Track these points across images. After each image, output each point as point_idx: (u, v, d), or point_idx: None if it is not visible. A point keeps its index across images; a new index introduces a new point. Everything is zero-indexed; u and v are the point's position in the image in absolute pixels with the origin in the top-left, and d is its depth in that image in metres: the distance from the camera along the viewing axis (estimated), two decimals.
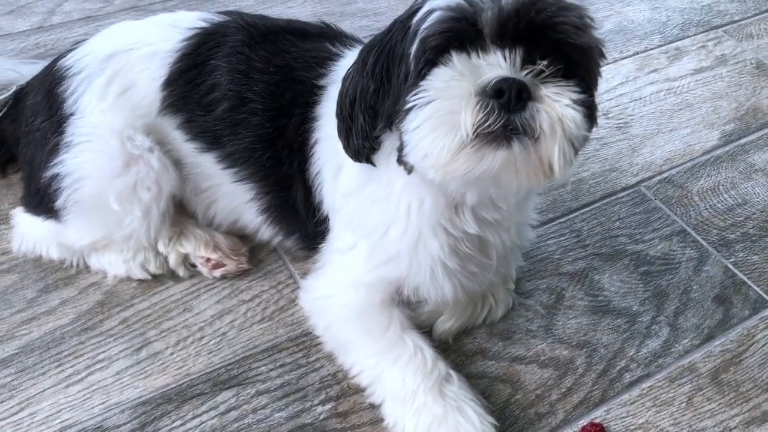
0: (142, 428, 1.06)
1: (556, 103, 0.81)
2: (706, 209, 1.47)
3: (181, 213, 1.25)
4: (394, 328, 1.09)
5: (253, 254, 1.30)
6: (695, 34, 1.94)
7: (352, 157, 0.98)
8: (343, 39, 1.18)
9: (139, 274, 1.23)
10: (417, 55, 0.83)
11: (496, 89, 0.79)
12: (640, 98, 1.72)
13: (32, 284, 1.23)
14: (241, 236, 1.30)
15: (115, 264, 1.22)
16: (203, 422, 1.07)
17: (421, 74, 0.83)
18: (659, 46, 1.89)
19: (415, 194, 1.00)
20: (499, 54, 0.82)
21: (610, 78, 1.77)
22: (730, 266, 1.36)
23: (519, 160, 0.82)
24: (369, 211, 1.05)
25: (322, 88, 1.10)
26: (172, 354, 1.15)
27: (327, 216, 1.13)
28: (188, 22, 1.17)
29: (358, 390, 1.10)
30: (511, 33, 0.82)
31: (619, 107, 1.69)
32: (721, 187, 1.52)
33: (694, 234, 1.42)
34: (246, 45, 1.12)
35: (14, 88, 1.29)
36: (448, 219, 1.01)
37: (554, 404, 1.13)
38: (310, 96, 1.10)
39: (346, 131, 0.96)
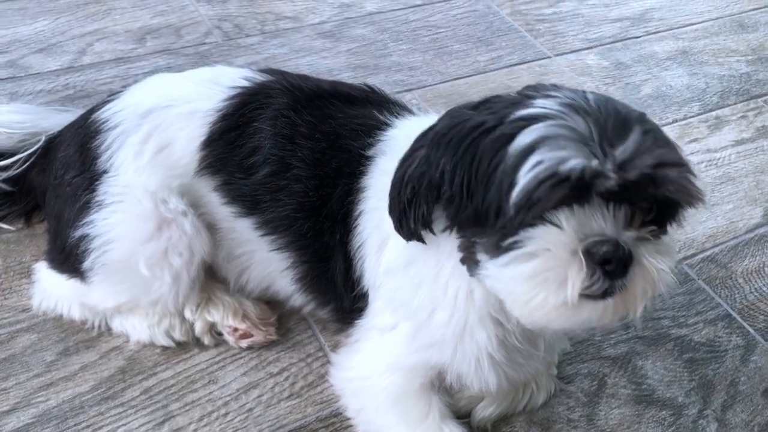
0: None
1: (654, 269, 0.81)
2: (752, 292, 1.41)
3: (210, 278, 1.20)
4: (433, 418, 1.04)
5: (281, 323, 1.25)
6: (735, 103, 1.90)
7: (402, 237, 0.93)
8: (389, 106, 1.14)
9: (164, 341, 1.17)
10: (519, 206, 0.77)
11: (605, 258, 0.78)
12: None
13: (52, 346, 1.17)
14: (269, 302, 1.25)
15: (138, 329, 1.17)
16: None
17: (523, 223, 0.79)
18: (698, 114, 1.85)
19: (465, 281, 0.95)
20: (607, 213, 0.79)
21: None
22: None
23: (607, 310, 0.82)
24: (414, 292, 0.99)
25: (369, 158, 1.05)
26: (195, 430, 1.09)
27: (367, 291, 1.08)
28: (230, 80, 1.13)
29: None
30: (622, 196, 0.79)
31: None
32: (766, 269, 1.47)
33: (739, 320, 1.36)
34: (291, 108, 1.08)
35: (44, 137, 1.25)
36: (499, 310, 0.95)
37: None
38: (357, 166, 1.05)
39: (400, 213, 0.91)
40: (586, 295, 0.80)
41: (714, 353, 1.30)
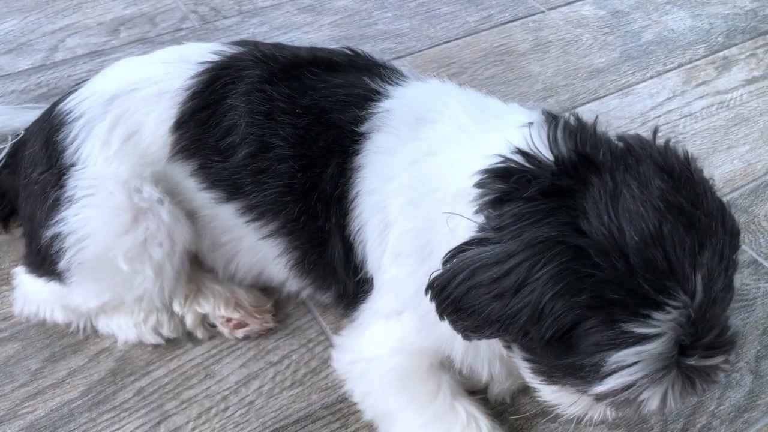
0: None
1: None
2: None
3: (198, 267, 1.12)
4: (444, 395, 0.96)
5: (278, 309, 1.17)
6: (742, 42, 1.80)
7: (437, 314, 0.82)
8: (378, 70, 1.05)
9: (152, 339, 1.10)
10: (607, 393, 0.74)
11: None
12: (690, 114, 1.58)
13: (37, 353, 1.11)
14: (264, 288, 1.17)
15: (125, 328, 1.09)
16: None
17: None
18: (705, 56, 1.75)
19: None
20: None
21: (655, 93, 1.63)
22: None
23: None
24: (423, 282, 0.87)
25: (362, 135, 0.97)
26: (193, 429, 1.02)
27: (371, 276, 0.99)
28: (198, 55, 1.05)
29: None
30: None
31: (669, 125, 1.56)
32: None
33: (766, 264, 1.27)
34: (266, 81, 1.00)
35: (10, 137, 1.17)
36: None
37: None
38: (349, 144, 0.97)
39: (444, 314, 0.79)
40: None
41: (743, 302, 1.21)
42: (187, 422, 1.03)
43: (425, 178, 0.91)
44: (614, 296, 0.69)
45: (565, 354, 0.73)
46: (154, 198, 1.01)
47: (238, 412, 1.04)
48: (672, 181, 0.74)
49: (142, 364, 1.10)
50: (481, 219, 0.78)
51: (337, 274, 1.03)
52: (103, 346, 1.12)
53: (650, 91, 1.64)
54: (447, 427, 0.94)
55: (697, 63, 1.73)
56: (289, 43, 1.72)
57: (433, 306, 0.80)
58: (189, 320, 1.11)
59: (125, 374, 1.08)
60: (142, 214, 1.01)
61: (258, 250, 1.07)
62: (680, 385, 0.74)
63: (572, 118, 0.82)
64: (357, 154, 0.97)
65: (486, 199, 0.78)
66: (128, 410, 1.04)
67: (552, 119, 0.84)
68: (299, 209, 0.99)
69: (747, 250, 1.30)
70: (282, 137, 0.98)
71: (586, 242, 0.70)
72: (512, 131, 0.84)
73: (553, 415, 1.04)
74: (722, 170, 1.46)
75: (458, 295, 0.75)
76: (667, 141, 0.81)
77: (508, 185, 0.76)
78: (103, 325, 1.11)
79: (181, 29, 1.78)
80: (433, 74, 1.64)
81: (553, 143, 0.78)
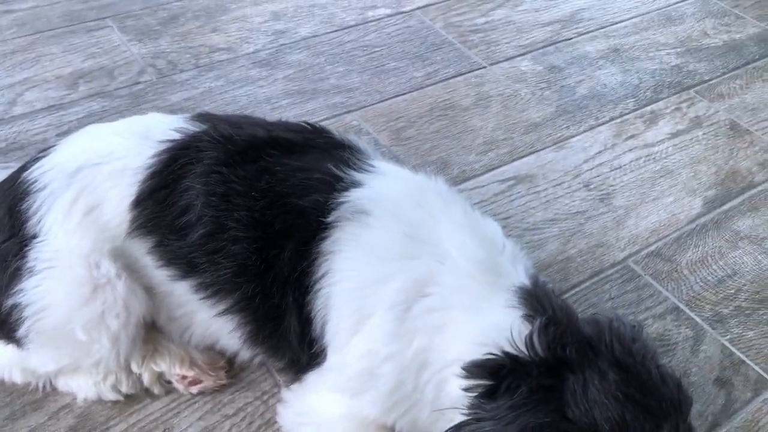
0: None
1: None
2: (697, 283, 1.44)
3: (155, 329, 1.18)
4: None
5: (233, 362, 1.23)
6: (668, 96, 1.95)
7: None
8: (337, 152, 1.10)
9: (111, 396, 1.15)
10: None
11: None
12: (620, 167, 1.71)
13: None
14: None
15: (84, 387, 1.14)
16: None
17: None
18: (634, 110, 1.89)
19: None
20: None
21: (588, 146, 1.75)
22: (727, 344, 1.33)
23: None
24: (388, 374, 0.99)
25: (330, 224, 1.02)
26: None
27: (325, 349, 1.06)
28: (161, 132, 1.10)
29: None
30: None
31: (600, 177, 1.68)
32: (709, 258, 1.50)
33: (687, 311, 1.39)
34: (223, 164, 1.05)
35: None
36: None
37: None
38: (313, 230, 1.02)
39: None
40: None
41: (665, 346, 1.32)
42: None
43: (422, 322, 0.97)
44: None
45: None
46: (112, 273, 1.06)
47: None
48: (623, 373, 0.86)
49: (102, 419, 1.14)
50: (469, 399, 0.88)
51: (292, 346, 1.08)
52: (64, 403, 1.16)
53: (583, 144, 1.76)
54: None
55: (627, 117, 1.86)
56: (245, 97, 1.82)
57: (387, 391, 0.95)
58: (146, 378, 1.16)
59: (86, 430, 1.13)
60: (100, 287, 1.06)
61: (211, 324, 1.12)
62: None
63: (545, 320, 0.92)
64: (323, 241, 1.02)
65: (476, 387, 0.88)
66: None
67: (530, 317, 0.94)
68: (253, 288, 1.03)
69: (670, 297, 1.41)
70: (237, 219, 1.02)
71: (573, 427, 0.82)
72: (503, 310, 0.95)
73: None
74: (648, 221, 1.58)
75: None
76: (617, 326, 0.92)
77: (499, 382, 0.87)
78: (63, 384, 1.16)
79: (139, 83, 1.84)
80: (382, 129, 1.75)
81: (530, 346, 0.89)
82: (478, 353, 0.90)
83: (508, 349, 0.88)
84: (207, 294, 1.07)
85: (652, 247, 1.51)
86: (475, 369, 0.89)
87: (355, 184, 1.05)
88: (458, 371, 0.91)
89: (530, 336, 0.89)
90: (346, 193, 1.04)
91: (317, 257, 1.02)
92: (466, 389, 0.89)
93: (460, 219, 1.05)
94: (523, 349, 0.89)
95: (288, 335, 1.06)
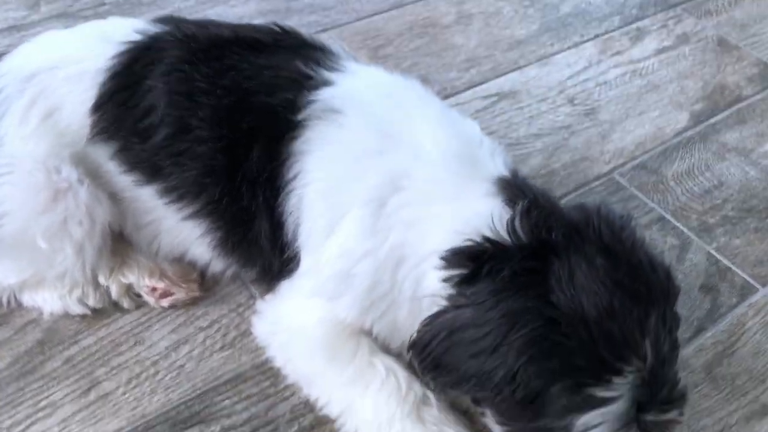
0: None
1: None
2: (684, 194, 1.41)
3: (122, 241, 1.13)
4: (362, 353, 0.99)
5: (206, 277, 1.18)
6: (655, 13, 1.89)
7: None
8: (308, 51, 1.05)
9: (78, 310, 1.10)
10: None
11: None
12: (606, 82, 1.66)
13: None
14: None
15: (49, 301, 1.09)
16: None
17: None
18: (620, 27, 1.83)
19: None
20: None
21: (573, 63, 1.70)
22: (713, 252, 1.30)
23: None
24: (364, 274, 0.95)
25: (300, 122, 0.97)
26: (124, 394, 1.04)
27: (298, 253, 1.02)
28: (121, 34, 1.05)
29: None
30: None
31: (585, 93, 1.63)
32: (696, 170, 1.46)
33: (673, 221, 1.36)
34: (186, 62, 1.00)
35: None
36: None
37: None
38: (283, 129, 0.97)
39: (425, 370, 0.87)
40: None
41: None
42: (117, 387, 1.04)
43: (397, 217, 0.93)
44: (580, 363, 0.77)
45: (536, 417, 0.81)
46: (74, 178, 1.02)
47: (169, 376, 1.06)
48: (611, 259, 0.82)
49: (71, 333, 1.10)
50: (448, 289, 0.85)
51: (263, 252, 1.04)
52: (30, 318, 1.12)
53: (568, 61, 1.71)
54: (366, 383, 0.97)
55: (612, 34, 1.81)
56: (216, 17, 1.73)
57: (363, 291, 0.91)
58: (114, 291, 1.12)
59: (53, 344, 1.09)
60: (61, 193, 1.01)
61: (179, 230, 1.08)
62: None
63: (527, 203, 0.88)
64: (294, 140, 0.97)
65: (455, 273, 0.85)
66: (57, 378, 1.05)
67: (511, 202, 0.89)
68: (221, 191, 1.00)
69: (655, 208, 1.38)
70: (201, 118, 0.98)
71: (557, 313, 0.78)
72: (482, 198, 0.91)
73: None
74: (634, 135, 1.53)
75: (439, 352, 0.82)
76: (606, 212, 0.88)
77: (479, 266, 0.83)
78: (28, 298, 1.11)
79: (104, 3, 1.76)
80: (359, 47, 1.68)
81: (512, 231, 0.85)
82: (456, 243, 0.86)
83: (489, 235, 0.85)
84: (173, 198, 1.03)
85: (638, 160, 1.48)
86: (453, 257, 0.85)
87: (326, 83, 1.01)
88: (437, 263, 0.87)
89: (512, 220, 0.85)
90: (316, 92, 0.99)
91: (288, 158, 0.98)
92: (445, 280, 0.85)
93: (436, 115, 1.01)
94: (505, 234, 0.85)
95: (259, 240, 1.02)
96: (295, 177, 0.98)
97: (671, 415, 0.82)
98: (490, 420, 0.91)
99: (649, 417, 0.80)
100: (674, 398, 0.82)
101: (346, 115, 0.98)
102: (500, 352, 0.78)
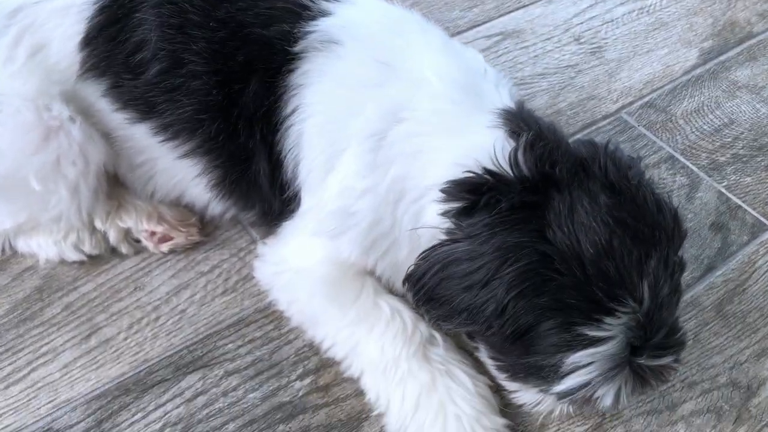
0: (98, 425, 0.93)
1: None
2: (693, 132, 1.38)
3: (119, 184, 1.10)
4: (367, 294, 0.97)
5: (206, 222, 1.16)
6: None
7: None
8: None
9: (74, 256, 1.08)
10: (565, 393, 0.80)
11: None
12: (612, 20, 1.61)
13: None
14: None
15: (44, 247, 1.07)
16: (168, 412, 0.95)
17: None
18: None
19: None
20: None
21: (578, 1, 1.64)
22: (724, 190, 1.27)
23: None
24: (366, 210, 0.92)
25: (297, 54, 0.93)
26: (125, 339, 1.02)
27: (298, 192, 0.99)
28: None
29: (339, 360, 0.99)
30: None
31: (591, 31, 1.58)
32: (705, 108, 1.42)
33: (682, 159, 1.33)
34: None
35: None
36: None
37: None
38: (279, 62, 0.94)
39: (419, 302, 0.85)
40: None
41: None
42: (119, 333, 1.03)
43: (398, 150, 0.90)
44: (571, 301, 0.75)
45: (526, 353, 0.79)
46: (65, 116, 0.98)
47: (170, 321, 1.05)
48: (616, 197, 0.79)
49: (69, 280, 1.08)
50: (447, 223, 0.82)
51: (262, 191, 1.02)
52: (28, 265, 1.10)
53: None
54: (371, 324, 0.95)
55: None
56: None
57: (365, 229, 0.89)
58: (112, 236, 1.09)
59: (52, 291, 1.07)
60: (53, 132, 0.98)
61: (175, 170, 1.05)
62: (632, 383, 0.80)
63: (531, 135, 0.84)
64: (291, 73, 0.94)
65: (454, 206, 0.82)
66: (57, 325, 1.03)
67: (514, 134, 0.86)
68: (217, 127, 0.97)
69: (664, 147, 1.35)
70: (195, 52, 0.95)
71: (551, 249, 0.75)
72: (485, 130, 0.87)
73: None
74: (642, 73, 1.49)
75: (432, 285, 0.81)
76: (613, 150, 0.85)
77: (477, 198, 0.80)
78: (23, 244, 1.09)
79: None
80: None
81: (514, 163, 0.81)
82: (458, 176, 0.83)
83: (491, 168, 0.81)
84: (168, 135, 0.99)
85: (646, 99, 1.43)
86: (453, 189, 0.82)
87: (324, 13, 0.97)
88: (436, 197, 0.84)
89: (515, 153, 0.82)
90: (314, 23, 0.95)
91: (285, 91, 0.94)
92: (444, 213, 0.82)
93: (438, 45, 0.97)
94: (507, 167, 0.81)
95: (258, 179, 0.99)
96: (293, 112, 0.95)
97: (665, 360, 0.80)
98: (482, 354, 0.90)
99: (642, 361, 0.79)
100: (670, 344, 0.80)
101: (344, 46, 0.94)
102: (491, 286, 0.76)
